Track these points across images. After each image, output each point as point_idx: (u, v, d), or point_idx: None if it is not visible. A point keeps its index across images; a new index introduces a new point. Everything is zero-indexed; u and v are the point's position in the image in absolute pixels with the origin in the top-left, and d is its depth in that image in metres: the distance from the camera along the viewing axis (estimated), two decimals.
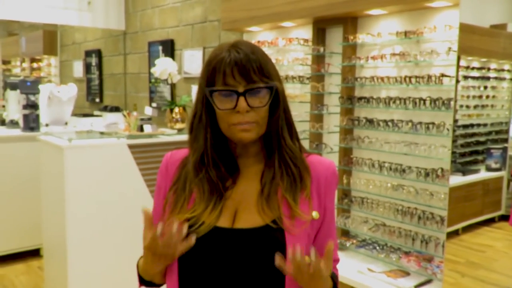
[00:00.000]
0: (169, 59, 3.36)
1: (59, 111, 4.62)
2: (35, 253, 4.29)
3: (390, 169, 2.51)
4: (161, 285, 1.17)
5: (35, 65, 7.85)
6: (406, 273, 2.45)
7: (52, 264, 3.24)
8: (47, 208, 3.25)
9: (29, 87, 4.19)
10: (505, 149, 3.13)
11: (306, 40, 2.95)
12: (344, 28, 2.69)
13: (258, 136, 1.06)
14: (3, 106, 6.50)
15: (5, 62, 9.26)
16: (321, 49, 2.85)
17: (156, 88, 4.83)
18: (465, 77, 3.47)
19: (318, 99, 2.90)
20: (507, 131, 3.19)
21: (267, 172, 1.08)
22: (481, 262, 3.54)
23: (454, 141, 3.50)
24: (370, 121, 2.59)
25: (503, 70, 3.53)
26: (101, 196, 2.95)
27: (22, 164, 4.14)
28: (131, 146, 3.03)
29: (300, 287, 1.02)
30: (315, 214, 1.06)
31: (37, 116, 4.26)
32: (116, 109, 5.03)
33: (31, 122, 4.24)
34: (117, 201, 3.00)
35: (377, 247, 2.62)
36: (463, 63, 3.47)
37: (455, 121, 3.49)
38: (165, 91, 4.71)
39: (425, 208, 2.41)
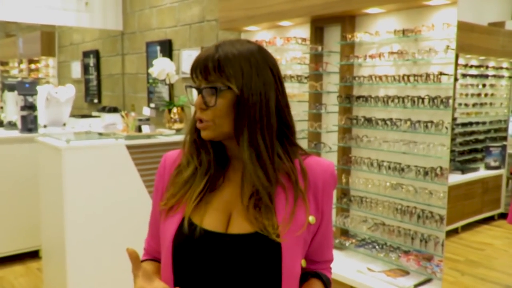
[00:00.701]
0: (166, 59, 3.35)
1: (57, 112, 4.61)
2: (34, 255, 4.28)
3: (389, 168, 2.51)
4: None
5: (33, 66, 7.84)
6: (406, 272, 2.44)
7: (51, 265, 3.23)
8: (46, 209, 3.24)
9: (27, 88, 4.17)
10: (504, 147, 3.13)
11: (304, 39, 2.94)
12: (342, 27, 2.68)
13: (216, 136, 1.04)
14: (1, 108, 6.49)
15: (2, 64, 9.24)
16: (319, 48, 2.84)
17: (154, 89, 4.83)
18: (464, 75, 3.47)
19: (316, 98, 2.90)
20: (506, 129, 3.19)
21: (244, 177, 1.05)
22: (480, 260, 3.53)
23: (453, 139, 3.49)
24: (368, 120, 2.58)
25: (501, 68, 3.52)
26: (99, 197, 2.95)
27: (20, 165, 4.13)
28: (129, 147, 3.03)
29: None
30: (311, 218, 1.05)
31: (35, 117, 4.25)
32: (114, 109, 5.02)
33: (29, 124, 4.23)
34: (115, 202, 2.99)
35: (377, 247, 2.61)
36: (461, 61, 3.46)
37: (454, 119, 3.49)
38: (163, 91, 4.70)
39: (424, 207, 2.41)
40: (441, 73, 2.30)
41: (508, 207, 3.16)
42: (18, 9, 4.79)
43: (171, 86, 4.27)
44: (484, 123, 3.51)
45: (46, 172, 3.13)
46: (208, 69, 1.01)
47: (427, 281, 2.37)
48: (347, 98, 2.68)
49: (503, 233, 3.35)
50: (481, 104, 3.48)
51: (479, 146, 3.56)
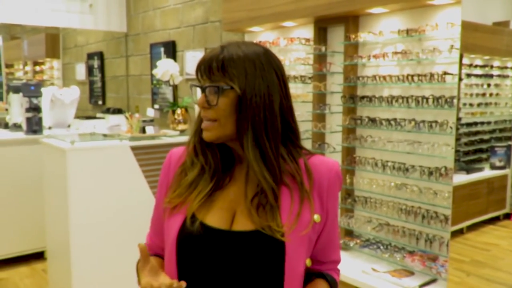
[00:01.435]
0: (170, 61, 3.36)
1: (62, 114, 4.63)
2: (39, 256, 4.30)
3: (393, 168, 2.50)
4: None
5: (37, 68, 7.88)
6: (411, 273, 2.44)
7: (56, 266, 3.24)
8: (51, 210, 3.26)
9: (31, 90, 4.19)
10: (509, 147, 3.12)
11: (307, 40, 2.94)
12: (346, 27, 2.67)
13: (219, 137, 1.05)
14: (6, 110, 6.53)
15: (8, 66, 9.30)
16: (323, 49, 2.84)
17: (159, 90, 4.84)
18: (468, 75, 3.46)
19: (320, 99, 2.89)
20: (511, 129, 3.18)
21: (248, 176, 1.07)
22: (486, 260, 3.52)
23: (457, 139, 3.48)
24: (372, 120, 2.58)
25: (506, 67, 3.51)
26: (104, 198, 2.95)
27: (26, 167, 4.15)
28: (133, 148, 3.03)
29: None
30: (316, 217, 1.05)
31: (40, 119, 4.27)
32: (118, 111, 5.05)
33: (34, 125, 4.25)
34: (120, 203, 3.00)
35: (381, 247, 2.60)
36: (465, 61, 3.45)
37: (459, 119, 3.48)
38: (167, 92, 4.71)
39: (429, 207, 2.40)
40: (445, 73, 2.29)
41: None
42: (22, 12, 4.81)
43: (175, 87, 4.28)
44: (489, 123, 3.50)
45: (51, 173, 3.15)
46: (212, 69, 1.02)
47: (432, 281, 2.37)
48: (351, 98, 2.68)
49: (508, 233, 3.34)
50: (486, 104, 3.47)
51: (484, 146, 3.55)
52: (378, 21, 2.59)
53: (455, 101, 2.25)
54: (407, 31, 2.40)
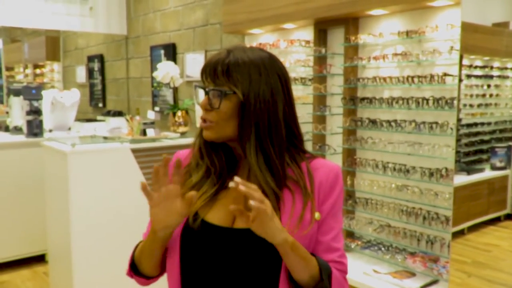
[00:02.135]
0: (171, 63, 3.37)
1: (63, 117, 4.64)
2: (40, 259, 4.30)
3: (394, 169, 2.50)
4: (150, 278, 1.18)
5: (38, 71, 7.89)
6: (412, 274, 2.44)
7: (57, 269, 3.25)
8: (52, 213, 3.26)
9: (32, 93, 4.20)
10: (509, 148, 3.12)
11: (307, 42, 2.95)
12: (346, 29, 2.68)
13: (218, 137, 1.08)
14: (7, 113, 6.53)
15: (8, 69, 9.31)
16: (323, 50, 2.84)
17: (159, 92, 4.84)
18: (468, 76, 3.46)
19: (320, 100, 2.90)
20: (511, 130, 3.18)
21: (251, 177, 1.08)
22: (487, 261, 3.52)
23: (458, 140, 3.48)
24: (373, 122, 2.58)
25: (506, 68, 3.51)
26: (105, 200, 2.96)
27: (27, 169, 4.16)
28: (134, 151, 3.03)
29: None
30: (317, 215, 1.07)
31: (41, 122, 4.28)
32: (119, 113, 5.06)
33: (35, 128, 4.25)
34: (121, 205, 3.00)
35: (382, 248, 2.60)
36: (465, 62, 3.46)
37: (459, 120, 3.48)
38: (168, 95, 4.71)
39: (430, 208, 2.40)
40: (445, 74, 2.29)
41: None
42: (23, 15, 4.82)
43: (175, 90, 4.29)
44: (489, 123, 3.50)
45: (52, 176, 3.15)
46: (216, 72, 1.04)
47: (434, 282, 2.37)
48: (352, 100, 2.68)
49: (510, 234, 3.34)
50: (486, 105, 3.48)
51: (484, 146, 3.55)
52: (378, 22, 2.60)
53: (455, 102, 2.25)
54: (407, 32, 2.41)
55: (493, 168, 3.50)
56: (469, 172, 3.53)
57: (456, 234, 3.53)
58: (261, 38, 3.32)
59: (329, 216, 1.11)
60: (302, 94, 3.02)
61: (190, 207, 1.02)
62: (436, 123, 2.33)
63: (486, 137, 3.53)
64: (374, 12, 2.52)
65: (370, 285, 2.39)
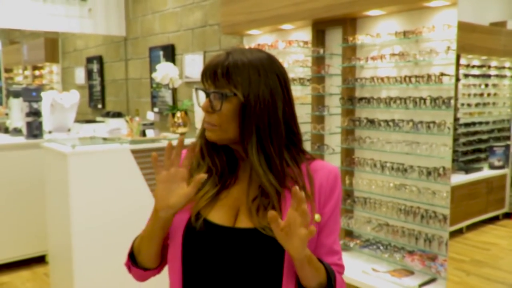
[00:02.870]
0: (170, 64, 3.38)
1: (62, 118, 4.66)
2: (40, 260, 4.32)
3: (392, 168, 2.52)
4: (148, 269, 1.20)
5: (37, 72, 7.91)
6: (411, 272, 2.46)
7: (58, 270, 3.26)
8: (52, 214, 3.27)
9: (32, 95, 4.22)
10: (507, 147, 3.14)
11: (305, 42, 2.97)
12: (343, 30, 2.70)
13: (221, 139, 1.09)
14: (6, 114, 6.53)
15: (7, 70, 9.32)
16: (321, 51, 2.86)
17: (158, 93, 4.86)
18: (466, 76, 3.48)
19: (319, 101, 2.92)
20: (509, 129, 3.20)
21: (252, 180, 1.10)
22: (486, 260, 3.54)
23: (456, 139, 3.50)
24: (371, 122, 2.60)
25: (504, 67, 3.53)
26: (105, 201, 2.97)
27: (27, 171, 4.17)
28: (134, 151, 3.05)
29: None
30: (317, 217, 1.09)
31: (40, 123, 4.29)
32: (118, 114, 5.07)
33: (35, 130, 4.27)
34: (121, 206, 3.02)
35: (381, 247, 2.62)
36: (463, 61, 3.48)
37: (457, 119, 3.50)
38: (167, 95, 4.73)
39: (428, 207, 2.42)
40: (442, 74, 2.31)
41: None
42: (22, 17, 4.84)
43: (174, 91, 4.30)
44: (487, 123, 3.52)
45: (52, 177, 3.17)
46: (217, 75, 1.05)
47: (432, 280, 2.39)
48: (350, 100, 2.70)
49: (508, 233, 3.36)
50: (484, 104, 3.49)
51: (482, 146, 3.57)
52: (376, 23, 2.62)
53: (452, 101, 2.27)
54: (404, 33, 2.43)
55: (491, 167, 3.51)
56: (467, 171, 3.55)
57: (455, 233, 3.55)
58: (260, 39, 3.34)
59: (331, 219, 1.13)
60: (300, 94, 3.04)
61: (196, 189, 1.04)
62: (434, 122, 2.35)
63: (484, 136, 3.55)
64: (372, 12, 2.54)
65: (369, 284, 2.41)
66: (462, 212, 3.59)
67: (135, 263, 1.20)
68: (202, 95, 1.11)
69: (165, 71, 3.28)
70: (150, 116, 3.95)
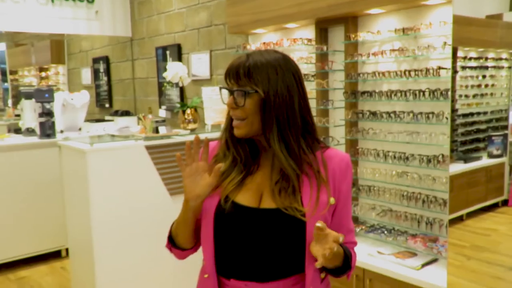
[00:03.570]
0: (179, 63, 3.53)
1: (73, 118, 4.80)
2: (56, 255, 4.48)
3: (394, 157, 2.68)
4: (186, 249, 1.36)
5: (43, 74, 8.04)
6: (414, 254, 2.61)
7: (79, 263, 3.38)
8: (72, 210, 3.39)
9: (44, 96, 4.36)
10: (505, 136, 3.24)
11: (309, 40, 3.11)
12: (346, 27, 2.85)
13: (248, 133, 1.24)
14: (17, 116, 6.68)
15: (12, 72, 9.43)
16: (324, 48, 3.01)
17: (165, 92, 5.01)
18: (463, 68, 3.61)
19: (323, 95, 3.07)
20: (507, 118, 3.31)
21: (275, 166, 1.26)
22: (486, 245, 3.68)
23: (454, 130, 3.64)
24: (373, 114, 2.76)
25: (501, 59, 3.66)
26: (122, 195, 3.10)
27: (41, 169, 4.31)
28: (148, 147, 3.20)
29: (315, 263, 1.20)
30: (332, 200, 1.24)
31: (53, 123, 4.43)
32: (126, 113, 5.22)
33: (48, 129, 4.41)
34: (137, 199, 3.16)
35: (385, 231, 2.78)
36: (460, 54, 3.61)
37: (455, 110, 3.63)
38: (172, 94, 4.88)
39: (429, 192, 2.58)
40: (439, 68, 2.47)
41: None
42: (31, 20, 4.97)
43: (182, 89, 4.45)
44: (485, 113, 3.65)
45: (71, 174, 3.30)
46: (239, 75, 1.21)
47: (434, 261, 2.54)
48: (353, 93, 2.85)
49: (507, 219, 3.50)
50: (482, 95, 3.62)
51: (481, 135, 3.70)
52: (376, 21, 2.77)
53: (449, 93, 2.43)
54: (403, 29, 2.58)
55: (490, 156, 3.64)
56: (466, 160, 3.68)
57: (455, 220, 3.68)
58: (265, 37, 3.49)
59: (347, 201, 1.30)
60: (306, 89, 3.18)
61: (217, 178, 1.22)
62: (432, 113, 2.50)
63: (483, 126, 3.67)
64: (372, 11, 2.69)
65: (375, 266, 2.56)
66: (462, 200, 3.73)
67: (174, 245, 1.35)
68: (225, 93, 1.27)
69: (175, 70, 3.42)
70: (162, 113, 4.11)
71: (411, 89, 2.58)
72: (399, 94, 2.64)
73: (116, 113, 5.25)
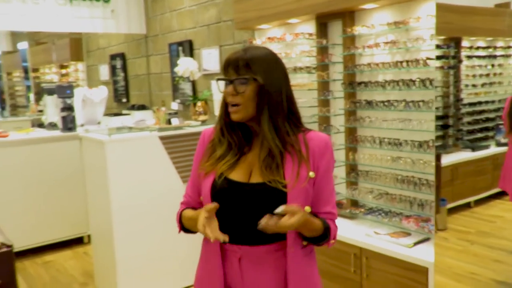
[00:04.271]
0: (190, 59, 3.76)
1: (93, 112, 5.07)
2: (79, 241, 4.78)
3: (389, 143, 2.86)
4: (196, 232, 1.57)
5: (63, 71, 8.36)
6: (408, 234, 2.79)
7: (100, 249, 3.63)
8: (93, 198, 3.64)
9: (65, 92, 4.64)
10: None
11: (310, 34, 3.30)
12: (343, 22, 3.03)
13: (243, 117, 1.44)
14: (40, 111, 7.00)
15: (34, 70, 9.80)
16: (324, 42, 3.19)
17: (178, 86, 5.24)
18: (469, 57, 3.73)
19: (324, 86, 3.26)
20: None
21: (264, 146, 1.46)
22: (491, 231, 3.83)
23: (459, 119, 3.77)
24: (369, 103, 2.94)
25: (509, 47, 3.76)
26: (139, 183, 3.33)
27: (64, 161, 4.59)
28: (162, 138, 3.44)
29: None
30: (311, 174, 1.44)
31: (74, 117, 4.71)
32: (142, 107, 5.47)
33: (69, 123, 4.69)
34: (153, 187, 3.39)
35: (382, 213, 2.97)
36: (465, 43, 3.74)
37: (460, 100, 3.77)
38: (186, 88, 5.11)
39: (421, 176, 2.75)
40: (428, 58, 2.63)
41: None
42: (50, 20, 5.23)
43: (194, 83, 4.68)
44: (493, 101, 3.77)
45: (91, 164, 3.55)
46: (239, 66, 1.41)
47: (426, 239, 2.71)
48: (350, 84, 3.04)
49: None
50: (490, 84, 3.73)
51: (490, 124, 3.81)
52: (371, 15, 2.94)
53: (434, 82, 2.59)
54: (395, 23, 2.75)
55: (498, 144, 3.76)
56: (473, 149, 3.81)
57: (463, 207, 3.83)
58: (269, 32, 3.68)
59: (326, 175, 1.50)
60: (307, 81, 3.38)
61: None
62: (422, 101, 2.67)
63: (491, 115, 3.78)
64: (367, 6, 2.85)
65: (372, 244, 2.75)
66: (469, 187, 3.86)
67: (189, 231, 1.58)
68: (221, 84, 1.48)
69: (186, 65, 3.65)
70: (174, 106, 4.34)
71: (403, 79, 2.75)
72: (392, 84, 2.81)
73: (133, 107, 5.51)
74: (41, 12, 5.13)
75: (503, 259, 3.53)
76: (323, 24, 3.22)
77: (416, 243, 2.68)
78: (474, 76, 3.71)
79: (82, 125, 4.93)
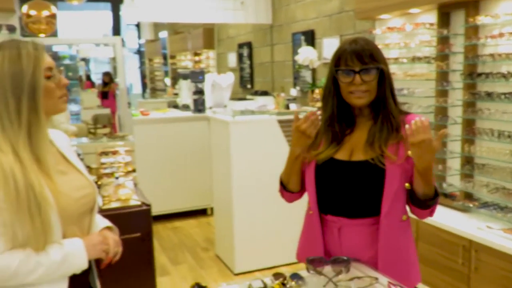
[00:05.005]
0: (309, 48, 3.96)
1: (220, 96, 5.54)
2: (203, 212, 5.30)
3: (509, 137, 2.77)
4: (294, 193, 1.77)
5: (196, 58, 9.11)
6: None
7: (221, 220, 4.02)
8: (217, 173, 4.03)
9: (198, 77, 5.15)
10: None
11: (431, 24, 3.28)
12: (466, 11, 2.97)
13: (368, 102, 1.60)
14: (175, 94, 7.75)
15: (171, 57, 10.78)
16: (445, 32, 3.17)
17: (299, 73, 5.47)
18: None
19: (442, 76, 3.23)
20: None
21: (373, 127, 1.62)
22: None
23: None
24: (489, 94, 2.87)
25: None
26: (257, 162, 3.64)
27: (194, 138, 5.13)
28: (280, 121, 3.70)
29: (390, 204, 1.55)
30: (410, 152, 1.55)
31: (204, 100, 5.21)
32: (265, 93, 5.82)
33: (199, 105, 5.21)
34: (270, 166, 3.63)
35: (497, 208, 2.89)
36: None
37: None
38: (307, 75, 5.31)
39: None
40: None
41: None
42: (186, 11, 5.77)
43: (314, 71, 4.87)
44: None
45: (217, 142, 3.95)
46: (363, 57, 1.56)
47: None
48: (470, 75, 2.98)
49: None
50: None
51: None
52: (497, 4, 2.85)
53: None
54: None
55: None
56: None
57: None
58: (389, 22, 3.72)
59: None
60: (426, 71, 3.38)
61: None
62: None
63: None
64: None
65: (484, 238, 2.70)
66: None
67: (285, 188, 1.79)
68: (341, 75, 1.60)
69: (306, 54, 3.86)
70: (293, 92, 4.58)
71: None
72: None
73: (256, 93, 5.88)
74: (180, 5, 5.70)
75: None
76: (445, 13, 3.19)
77: None
78: None
79: (210, 108, 5.41)
